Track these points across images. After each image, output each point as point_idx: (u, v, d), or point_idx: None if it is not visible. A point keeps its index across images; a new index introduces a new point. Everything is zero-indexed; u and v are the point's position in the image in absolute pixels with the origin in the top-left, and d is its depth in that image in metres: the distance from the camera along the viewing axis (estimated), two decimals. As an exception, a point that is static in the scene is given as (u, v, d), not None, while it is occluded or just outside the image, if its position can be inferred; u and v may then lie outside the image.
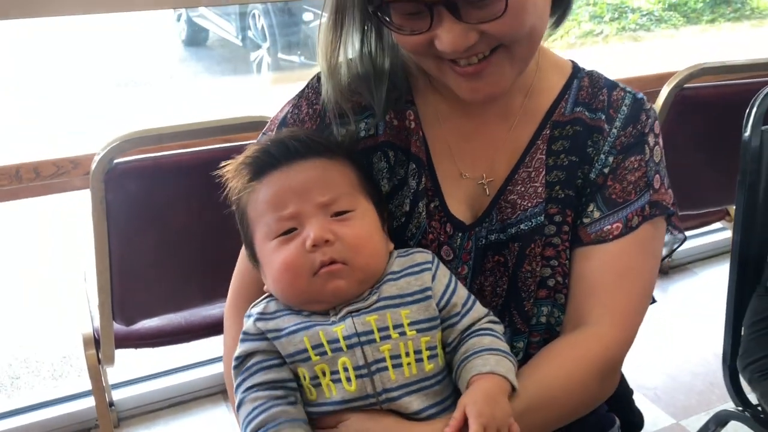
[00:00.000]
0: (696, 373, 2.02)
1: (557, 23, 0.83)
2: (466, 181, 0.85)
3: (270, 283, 0.78)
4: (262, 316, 0.76)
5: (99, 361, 1.50)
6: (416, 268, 0.77)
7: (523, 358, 0.83)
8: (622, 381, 0.97)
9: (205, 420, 1.90)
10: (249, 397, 0.73)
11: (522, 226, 0.82)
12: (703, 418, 1.40)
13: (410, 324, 0.73)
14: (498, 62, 0.74)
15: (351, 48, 0.80)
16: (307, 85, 0.87)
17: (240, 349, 0.76)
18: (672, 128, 1.66)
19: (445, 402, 0.74)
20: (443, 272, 0.79)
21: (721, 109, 1.65)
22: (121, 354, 1.51)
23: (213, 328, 1.57)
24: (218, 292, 1.50)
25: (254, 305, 0.79)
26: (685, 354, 2.11)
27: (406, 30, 0.73)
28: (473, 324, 0.77)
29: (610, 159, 0.83)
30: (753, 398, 1.27)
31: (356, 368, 0.71)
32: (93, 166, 1.26)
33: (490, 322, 0.78)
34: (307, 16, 5.34)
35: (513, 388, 0.73)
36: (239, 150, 1.02)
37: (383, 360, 0.72)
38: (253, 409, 0.71)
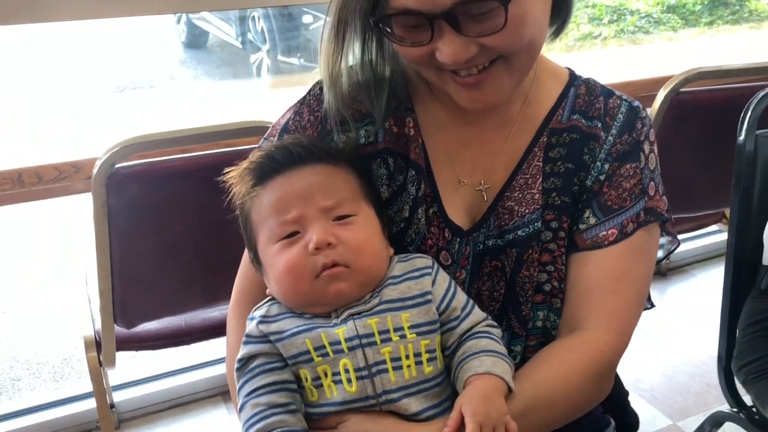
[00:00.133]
0: (693, 375, 2.03)
1: (556, 33, 0.84)
2: (464, 187, 0.86)
3: (273, 286, 0.79)
4: (265, 319, 0.77)
5: (100, 363, 1.51)
6: (416, 273, 0.78)
7: (521, 361, 0.84)
8: (618, 382, 0.99)
9: (205, 421, 1.91)
10: (250, 402, 0.74)
11: (519, 233, 0.84)
12: (699, 419, 1.41)
13: (410, 327, 0.74)
14: (497, 73, 0.75)
15: (351, 56, 0.81)
16: (308, 93, 0.88)
17: (243, 351, 0.77)
18: (668, 132, 1.68)
19: (444, 404, 0.75)
20: (443, 277, 0.80)
21: (717, 113, 1.66)
22: (121, 356, 1.52)
23: (213, 330, 1.58)
24: (218, 295, 1.52)
25: (257, 308, 0.80)
26: (682, 355, 2.12)
27: (407, 42, 0.74)
28: (472, 327, 0.78)
29: (606, 166, 0.84)
30: (748, 400, 1.28)
31: (357, 370, 0.73)
32: (95, 170, 1.27)
33: (488, 325, 0.79)
34: (306, 19, 5.36)
35: (509, 390, 0.74)
36: (239, 155, 1.02)
37: (383, 362, 0.73)
38: (253, 416, 0.73)
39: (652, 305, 0.89)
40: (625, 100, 0.87)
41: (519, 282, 0.84)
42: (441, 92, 0.84)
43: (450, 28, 0.71)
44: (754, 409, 1.27)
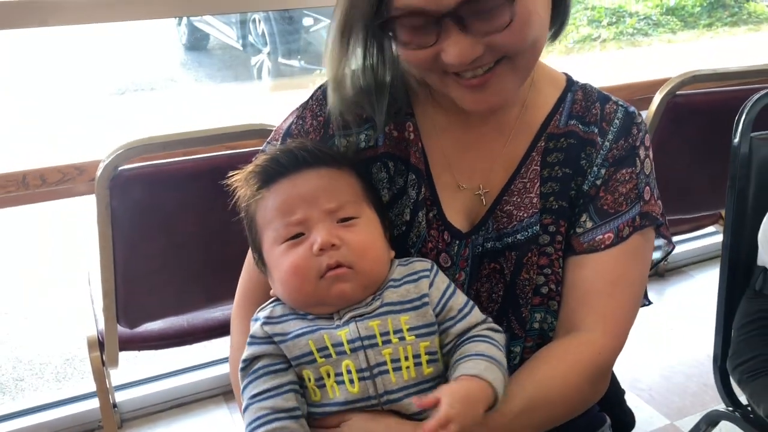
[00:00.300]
0: (690, 375, 2.04)
1: (554, 36, 0.85)
2: (463, 191, 0.87)
3: (277, 287, 0.81)
4: (269, 320, 0.79)
5: (103, 363, 1.52)
6: (414, 276, 0.80)
7: (519, 361, 0.86)
8: (614, 381, 1.00)
9: (206, 421, 1.92)
10: (253, 405, 0.75)
11: (518, 236, 0.85)
12: (696, 419, 1.42)
13: (409, 330, 0.76)
14: (501, 73, 0.76)
15: (354, 61, 0.82)
16: (311, 97, 0.90)
17: (247, 352, 0.78)
18: (665, 134, 1.69)
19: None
20: (441, 279, 0.81)
21: (713, 116, 1.67)
22: (122, 356, 1.53)
23: (215, 330, 1.60)
24: (220, 296, 1.53)
25: (261, 309, 0.82)
26: (680, 356, 2.14)
27: (412, 45, 0.74)
28: (470, 329, 0.79)
29: (603, 171, 0.85)
30: (744, 399, 1.30)
31: (359, 371, 0.74)
32: (98, 173, 1.28)
33: (489, 329, 0.80)
34: (307, 21, 5.37)
35: (496, 400, 0.73)
36: (242, 157, 1.04)
37: (384, 363, 0.74)
38: (257, 419, 0.74)
39: (650, 302, 0.91)
40: (621, 106, 0.88)
41: (519, 285, 0.85)
42: (441, 97, 0.86)
43: (456, 28, 0.71)
44: (749, 408, 1.28)
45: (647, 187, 0.86)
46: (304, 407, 0.76)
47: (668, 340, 2.22)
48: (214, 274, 1.47)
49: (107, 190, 1.30)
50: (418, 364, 0.75)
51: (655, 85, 1.69)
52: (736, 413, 1.30)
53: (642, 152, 0.87)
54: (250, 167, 0.83)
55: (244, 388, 0.77)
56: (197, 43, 6.51)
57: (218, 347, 2.08)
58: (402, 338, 0.75)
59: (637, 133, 0.87)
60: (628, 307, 0.85)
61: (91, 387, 1.83)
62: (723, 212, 2.02)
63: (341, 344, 0.74)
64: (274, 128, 0.94)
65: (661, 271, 2.57)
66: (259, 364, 0.77)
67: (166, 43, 6.54)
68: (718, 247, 2.69)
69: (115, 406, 1.89)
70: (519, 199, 0.86)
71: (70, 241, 3.16)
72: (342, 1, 0.76)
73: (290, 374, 0.76)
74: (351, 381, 0.74)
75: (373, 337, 0.75)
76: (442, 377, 0.77)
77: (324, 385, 0.75)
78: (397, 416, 0.75)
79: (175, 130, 1.37)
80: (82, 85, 5.61)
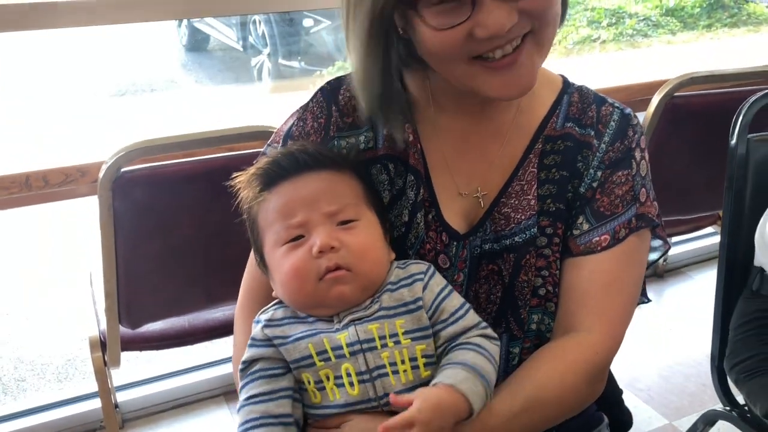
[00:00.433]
0: (688, 375, 2.05)
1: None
2: (461, 194, 0.88)
3: (278, 288, 0.82)
4: (270, 323, 0.80)
5: (105, 363, 1.53)
6: (409, 280, 0.80)
7: (518, 362, 0.87)
8: (612, 381, 1.01)
9: (207, 421, 1.93)
10: (246, 408, 0.76)
11: (516, 239, 0.86)
12: (695, 419, 1.43)
13: (404, 333, 0.76)
14: (528, 51, 0.76)
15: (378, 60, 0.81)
16: (311, 99, 0.90)
17: (247, 354, 0.79)
18: (663, 136, 1.70)
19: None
20: (436, 282, 0.81)
21: (710, 117, 1.68)
22: (123, 357, 1.54)
23: (215, 330, 1.61)
24: (221, 296, 1.54)
25: (262, 312, 0.83)
26: (678, 356, 2.15)
27: (444, 25, 0.72)
28: (462, 334, 0.79)
29: (599, 173, 0.86)
30: (741, 399, 1.31)
31: (359, 374, 0.75)
32: (101, 174, 1.29)
33: (481, 336, 0.79)
34: (307, 23, 5.38)
35: (471, 412, 0.73)
36: (243, 159, 1.05)
37: (384, 366, 0.75)
38: (246, 422, 0.76)
39: (648, 300, 0.92)
40: (617, 108, 0.89)
41: (518, 286, 0.86)
42: (442, 100, 0.87)
43: None
44: (746, 408, 1.29)
45: (643, 189, 0.87)
46: (298, 412, 0.78)
47: (667, 341, 2.23)
48: (215, 275, 1.49)
49: (110, 192, 1.31)
50: (415, 367, 0.76)
51: (654, 86, 1.71)
52: (734, 413, 1.30)
53: (638, 154, 0.88)
54: (252, 170, 0.84)
55: (241, 389, 0.78)
56: (197, 44, 6.52)
57: (219, 348, 2.09)
58: (397, 342, 0.76)
59: (632, 135, 0.88)
60: (625, 307, 0.86)
61: (93, 387, 1.84)
62: (721, 213, 2.03)
63: (341, 348, 0.75)
64: (274, 130, 0.94)
65: (660, 272, 2.58)
66: (257, 366, 0.78)
67: (167, 44, 6.54)
68: (717, 248, 2.69)
69: (116, 406, 1.89)
70: (516, 202, 0.87)
71: (71, 241, 3.17)
72: None
73: (286, 380, 0.77)
74: (351, 384, 0.75)
75: (372, 340, 0.76)
76: None
77: (324, 388, 0.76)
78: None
79: (176, 131, 1.38)
80: (82, 86, 5.62)
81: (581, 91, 0.90)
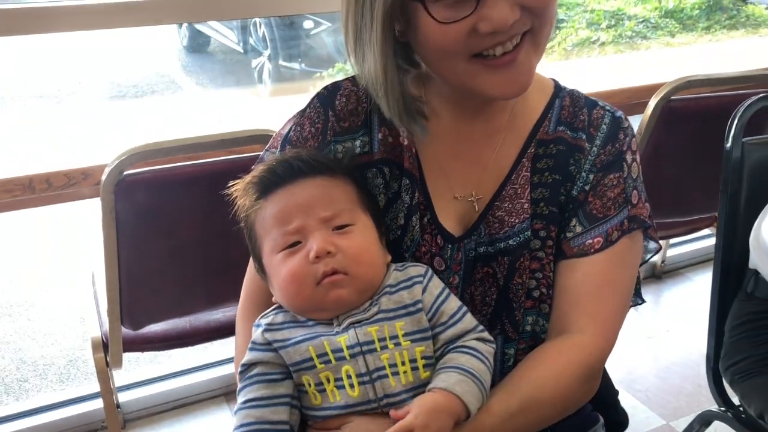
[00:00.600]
0: (686, 376, 2.06)
1: None
2: (456, 198, 0.89)
3: (277, 294, 0.83)
4: (270, 327, 0.81)
5: (107, 364, 1.54)
6: (408, 282, 0.82)
7: (513, 363, 0.88)
8: (608, 381, 1.02)
9: (208, 422, 1.94)
10: (242, 411, 0.78)
11: (511, 242, 0.87)
12: (692, 420, 1.44)
13: (404, 335, 0.78)
14: (526, 50, 0.78)
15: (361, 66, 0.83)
16: (308, 105, 0.91)
17: (247, 357, 0.81)
18: (660, 138, 1.71)
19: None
20: (435, 284, 0.83)
21: (706, 121, 1.69)
22: (124, 357, 1.55)
23: (216, 332, 1.62)
24: (222, 297, 1.56)
25: (263, 316, 0.84)
26: (676, 357, 2.16)
27: (449, 19, 0.74)
28: (459, 337, 0.80)
29: (591, 177, 0.87)
30: (736, 399, 1.32)
31: (359, 375, 0.76)
32: (103, 177, 1.30)
33: (477, 339, 0.81)
34: (307, 24, 5.40)
35: (468, 413, 0.75)
36: (244, 162, 1.06)
37: (383, 368, 0.76)
38: (241, 426, 0.77)
39: (643, 301, 0.93)
40: (608, 111, 0.90)
41: (512, 289, 0.87)
42: (437, 105, 0.88)
43: None
44: (741, 408, 1.30)
45: (635, 191, 0.88)
46: (295, 418, 0.79)
47: (665, 342, 2.24)
48: (215, 277, 1.50)
49: (112, 194, 1.32)
50: (414, 369, 0.77)
51: (651, 89, 1.72)
52: (729, 413, 1.31)
53: (629, 157, 0.89)
54: (248, 178, 0.85)
55: (239, 392, 0.80)
56: (198, 45, 6.54)
57: (220, 348, 2.10)
58: (397, 344, 0.77)
59: (624, 138, 0.89)
60: (618, 308, 0.87)
61: (94, 388, 1.85)
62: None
63: (341, 350, 0.77)
64: (273, 134, 0.96)
65: (659, 273, 2.59)
66: (256, 370, 0.79)
67: (167, 46, 6.55)
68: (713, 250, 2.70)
69: (117, 406, 1.90)
70: (510, 205, 0.88)
71: (72, 242, 3.19)
72: None
73: (285, 385, 0.79)
74: (351, 385, 0.76)
75: (372, 342, 0.77)
76: None
77: (324, 390, 0.77)
78: None
79: (177, 133, 1.40)
80: (83, 87, 5.63)
81: (573, 94, 0.92)
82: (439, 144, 0.90)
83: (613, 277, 0.86)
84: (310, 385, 0.78)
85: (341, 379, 0.76)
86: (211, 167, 1.39)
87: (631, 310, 0.92)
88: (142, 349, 1.60)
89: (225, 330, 1.62)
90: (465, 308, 0.83)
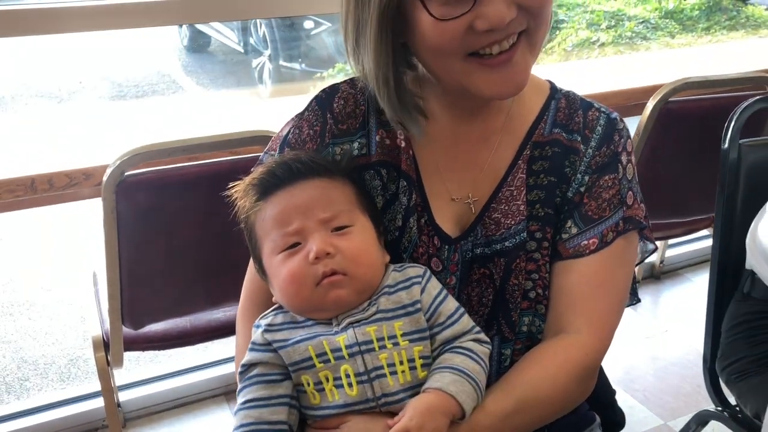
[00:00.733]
0: (684, 376, 2.07)
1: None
2: (453, 200, 0.90)
3: (277, 294, 0.84)
4: (270, 328, 0.82)
5: (108, 363, 1.55)
6: (407, 283, 0.82)
7: (510, 363, 0.89)
8: (605, 381, 1.03)
9: (208, 421, 1.95)
10: (241, 412, 0.79)
11: (507, 244, 0.88)
12: (690, 419, 1.46)
13: (403, 335, 0.79)
14: (522, 50, 0.78)
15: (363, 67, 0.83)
16: (306, 108, 0.92)
17: (247, 357, 0.82)
18: (658, 140, 1.72)
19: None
20: (433, 285, 0.84)
21: (704, 122, 1.70)
22: (125, 357, 1.56)
23: (217, 331, 1.63)
24: (222, 297, 1.57)
25: (263, 317, 0.85)
26: (674, 357, 2.16)
27: (446, 16, 0.74)
28: (456, 338, 0.81)
29: (586, 178, 0.88)
30: (733, 399, 1.33)
31: (357, 375, 0.77)
32: (105, 178, 1.31)
33: (473, 340, 0.81)
34: (307, 24, 5.41)
35: (463, 412, 0.76)
36: (244, 163, 1.06)
37: (381, 368, 0.77)
38: (241, 426, 0.78)
39: (638, 300, 0.94)
40: (604, 112, 0.91)
41: (509, 290, 0.88)
42: (433, 107, 0.89)
43: None
44: (737, 408, 1.31)
45: (630, 192, 0.89)
46: (293, 419, 0.80)
47: (663, 342, 2.24)
48: (216, 277, 1.51)
49: (113, 195, 1.33)
50: (413, 368, 0.78)
51: (649, 91, 1.73)
52: (725, 413, 1.32)
53: (624, 158, 0.90)
54: (247, 180, 0.86)
55: (239, 392, 0.81)
56: (199, 46, 6.54)
57: (220, 348, 2.11)
58: (396, 343, 0.78)
59: (618, 139, 0.89)
60: (614, 308, 0.88)
61: (95, 387, 1.86)
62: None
63: (340, 350, 0.77)
64: (272, 136, 0.96)
65: (657, 274, 2.60)
66: (255, 371, 0.80)
67: (168, 46, 6.56)
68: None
69: (118, 405, 1.91)
70: (506, 207, 0.89)
71: (73, 241, 3.20)
72: None
73: (284, 386, 0.79)
74: (350, 385, 0.77)
75: (370, 342, 0.78)
76: None
77: (323, 389, 0.78)
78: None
79: (177, 133, 1.41)
80: (84, 87, 5.63)
81: (568, 96, 0.92)
82: (436, 146, 0.90)
83: (609, 277, 0.87)
84: (309, 384, 0.78)
85: (340, 378, 0.77)
86: (212, 168, 1.40)
87: (630, 310, 0.92)
88: (143, 349, 1.61)
89: (225, 329, 1.63)
90: (462, 309, 0.84)
